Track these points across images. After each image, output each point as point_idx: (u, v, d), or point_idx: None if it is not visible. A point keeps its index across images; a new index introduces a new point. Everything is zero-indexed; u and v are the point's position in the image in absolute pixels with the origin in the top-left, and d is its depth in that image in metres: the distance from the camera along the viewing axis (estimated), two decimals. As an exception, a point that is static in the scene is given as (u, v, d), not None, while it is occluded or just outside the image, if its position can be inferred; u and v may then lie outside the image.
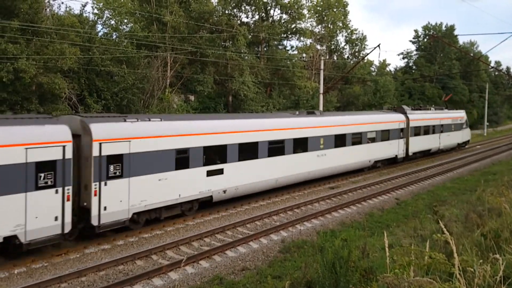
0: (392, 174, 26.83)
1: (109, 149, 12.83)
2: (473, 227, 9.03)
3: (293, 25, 42.97)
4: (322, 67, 34.74)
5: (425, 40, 66.21)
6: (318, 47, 51.31)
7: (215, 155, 16.42)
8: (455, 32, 66.18)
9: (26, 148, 10.86)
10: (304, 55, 47.55)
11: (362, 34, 54.72)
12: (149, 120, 14.54)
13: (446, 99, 47.19)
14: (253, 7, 40.85)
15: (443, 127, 35.45)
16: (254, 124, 18.62)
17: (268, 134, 18.74)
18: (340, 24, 52.37)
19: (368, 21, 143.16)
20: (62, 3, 36.44)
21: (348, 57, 55.39)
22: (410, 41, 69.26)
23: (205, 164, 15.90)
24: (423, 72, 60.18)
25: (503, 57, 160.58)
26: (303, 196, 20.56)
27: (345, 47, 55.27)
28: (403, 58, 68.10)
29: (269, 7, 41.38)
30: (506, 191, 12.14)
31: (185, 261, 11.30)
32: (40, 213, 11.14)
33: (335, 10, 50.69)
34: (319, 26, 51.56)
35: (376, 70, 58.40)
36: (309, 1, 49.40)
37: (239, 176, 17.35)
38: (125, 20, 30.53)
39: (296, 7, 40.81)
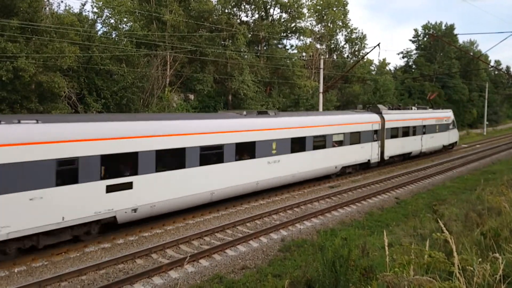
0: (392, 173, 26.85)
1: None
2: (473, 226, 9.04)
3: (292, 24, 42.98)
4: (321, 66, 34.72)
5: (425, 39, 66.24)
6: (318, 46, 51.30)
7: (120, 166, 13.31)
8: (455, 31, 66.23)
9: None
10: (304, 54, 47.54)
11: (362, 33, 54.73)
12: (18, 122, 11.29)
13: (431, 98, 44.52)
14: (252, 6, 40.84)
15: (425, 128, 32.87)
16: (181, 126, 15.40)
17: (200, 138, 15.72)
18: (340, 23, 52.35)
19: (368, 20, 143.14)
20: (62, 1, 36.65)
21: (348, 56, 55.37)
22: (410, 40, 69.36)
23: (104, 178, 12.73)
24: (423, 71, 60.20)
25: (503, 56, 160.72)
26: (303, 195, 20.58)
27: (345, 46, 55.28)
28: (403, 57, 68.18)
29: (268, 6, 41.37)
30: (506, 190, 12.16)
31: (186, 260, 11.32)
32: None
33: (335, 9, 50.67)
34: (319, 25, 51.56)
35: (376, 69, 58.38)
36: (309, 0, 49.52)
37: (157, 190, 14.18)
38: (125, 19, 30.47)
39: (295, 6, 40.82)
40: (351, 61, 52.46)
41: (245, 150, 17.75)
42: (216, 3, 36.50)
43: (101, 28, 29.75)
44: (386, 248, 5.87)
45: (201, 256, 12.35)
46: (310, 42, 48.64)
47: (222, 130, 16.66)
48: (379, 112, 27.83)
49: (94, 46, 25.10)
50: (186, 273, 11.29)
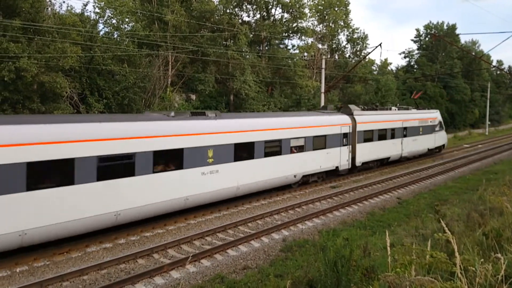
0: (393, 173, 26.81)
1: None
2: (475, 227, 9.02)
3: (294, 24, 43.03)
4: (323, 66, 34.70)
5: (427, 39, 66.14)
6: (320, 46, 51.32)
7: None
8: (457, 31, 66.17)
9: None
10: (305, 54, 47.55)
11: (364, 33, 54.78)
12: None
13: (416, 97, 41.14)
14: (254, 6, 40.90)
15: (406, 130, 30.00)
16: (70, 131, 11.94)
17: (100, 146, 12.48)
18: (342, 23, 52.38)
19: (370, 20, 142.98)
20: (64, 2, 36.60)
21: (349, 56, 55.39)
22: (412, 40, 69.23)
23: None
24: (425, 71, 60.12)
25: (505, 56, 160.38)
26: (304, 195, 20.56)
27: (347, 46, 55.33)
28: (405, 57, 68.10)
29: (270, 6, 41.42)
30: (508, 190, 12.14)
31: (188, 260, 11.33)
32: None
33: (336, 9, 50.70)
34: (321, 25, 51.58)
35: (377, 69, 58.34)
36: (311, 0, 49.54)
37: (32, 212, 11.03)
38: (127, 19, 30.56)
39: (297, 6, 40.87)
40: (353, 61, 52.44)
41: (169, 160, 14.60)
42: (217, 3, 36.57)
43: (103, 28, 29.88)
44: (388, 248, 5.86)
45: (202, 256, 12.34)
46: (312, 42, 48.67)
47: (133, 135, 13.42)
48: (350, 113, 24.88)
49: (96, 46, 25.16)
50: (188, 273, 11.29)
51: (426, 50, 65.12)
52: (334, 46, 53.51)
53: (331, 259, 7.65)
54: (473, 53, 68.94)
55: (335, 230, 14.98)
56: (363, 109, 27.10)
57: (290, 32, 43.77)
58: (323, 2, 50.02)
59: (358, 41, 54.38)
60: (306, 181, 21.77)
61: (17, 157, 10.68)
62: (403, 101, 51.90)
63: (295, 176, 20.50)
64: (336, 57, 54.00)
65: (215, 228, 14.72)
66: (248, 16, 42.15)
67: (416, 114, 32.33)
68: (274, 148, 19.09)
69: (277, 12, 42.40)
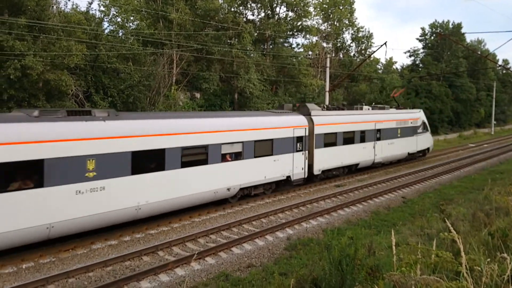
0: (398, 173, 26.74)
1: None
2: (481, 226, 8.99)
3: (299, 23, 42.95)
4: (328, 64, 34.65)
5: (432, 38, 65.82)
6: (324, 44, 51.23)
7: None
8: (462, 30, 65.77)
9: None
10: (310, 52, 47.47)
11: (369, 31, 54.60)
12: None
13: (396, 95, 36.78)
14: (258, 5, 40.88)
15: (380, 132, 26.73)
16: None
17: None
18: (346, 22, 52.24)
19: (375, 19, 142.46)
20: (69, 0, 36.62)
21: (354, 54, 55.23)
22: (417, 39, 68.94)
23: None
24: (430, 70, 59.81)
25: (511, 55, 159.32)
26: (308, 194, 20.56)
27: (351, 44, 55.15)
28: (410, 56, 67.77)
29: (275, 5, 41.36)
30: (514, 190, 12.07)
31: (194, 258, 11.37)
32: None
33: (341, 7, 50.54)
34: (325, 24, 51.47)
35: (382, 68, 58.15)
36: (315, -1, 49.39)
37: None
38: (131, 18, 30.64)
39: (302, 4, 40.79)
40: (358, 59, 52.29)
41: (21, 175, 11.15)
42: (222, 1, 36.56)
43: (108, 26, 29.96)
44: (393, 247, 5.86)
45: (207, 254, 12.39)
46: (316, 40, 48.57)
47: None
48: (307, 114, 21.53)
49: (101, 45, 25.26)
50: (193, 271, 11.33)
51: (431, 49, 64.80)
52: (338, 44, 53.39)
53: (336, 258, 7.65)
54: (479, 52, 68.55)
55: (339, 229, 14.96)
56: (327, 109, 24.34)
57: (295, 30, 43.69)
58: (327, 1, 49.89)
59: (363, 40, 54.21)
60: (248, 194, 18.45)
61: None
62: (408, 100, 51.74)
63: (228, 189, 16.90)
64: (341, 55, 53.86)
65: (219, 226, 14.76)
66: (253, 15, 42.19)
67: (394, 114, 29.07)
68: (197, 156, 15.55)
69: (281, 10, 42.39)
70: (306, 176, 20.97)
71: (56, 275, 10.43)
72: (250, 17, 41.83)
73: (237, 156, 17.26)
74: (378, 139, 26.52)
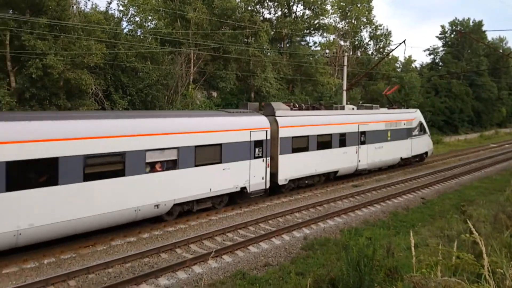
0: (417, 173, 26.36)
1: None
2: (502, 228, 8.80)
3: (316, 21, 42.68)
4: (345, 63, 34.36)
5: (452, 36, 64.63)
6: (342, 43, 50.79)
7: None
8: (483, 28, 64.34)
9: None
10: (327, 51, 47.14)
11: (387, 29, 53.82)
12: None
13: (389, 93, 33.66)
14: (275, 3, 40.78)
15: (365, 135, 23.63)
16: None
17: None
18: (364, 20, 51.66)
19: (393, 17, 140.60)
20: (89, 0, 37.22)
21: (372, 53, 54.61)
22: (437, 37, 67.83)
23: None
24: (450, 69, 58.74)
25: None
26: (325, 194, 20.45)
27: (369, 43, 54.52)
28: (429, 54, 66.62)
29: (292, 3, 41.22)
30: (538, 191, 11.78)
31: (211, 255, 11.45)
32: None
33: (359, 5, 50.02)
34: (343, 22, 51.01)
35: (401, 66, 57.35)
36: (333, -3, 48.98)
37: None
38: (150, 17, 30.96)
39: (319, 2, 40.53)
40: (376, 58, 51.69)
41: None
42: (239, 0, 36.61)
43: (126, 26, 30.33)
44: (413, 248, 5.79)
45: (224, 252, 12.46)
46: (334, 39, 48.19)
47: None
48: (271, 114, 18.74)
49: (120, 44, 25.58)
50: (210, 268, 11.42)
51: (451, 47, 63.60)
52: (356, 43, 52.87)
53: (354, 258, 7.60)
54: (500, 50, 66.98)
55: (357, 229, 14.85)
56: (295, 108, 21.10)
57: (312, 29, 43.44)
58: (345, -1, 49.45)
59: (381, 38, 53.51)
60: (188, 210, 15.54)
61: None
62: (427, 99, 50.91)
63: (157, 206, 13.86)
64: (359, 54, 53.32)
65: (236, 225, 14.83)
66: (269, 13, 42.10)
67: (382, 114, 25.83)
68: (108, 166, 12.72)
69: (298, 9, 42.19)
70: (267, 186, 18.06)
71: (76, 271, 10.65)
72: (267, 15, 41.79)
73: (170, 165, 14.28)
74: (363, 142, 23.53)
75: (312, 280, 8.08)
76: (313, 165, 20.43)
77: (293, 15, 41.87)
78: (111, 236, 13.26)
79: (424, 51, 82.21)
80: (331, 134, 21.38)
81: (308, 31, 43.16)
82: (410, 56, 58.50)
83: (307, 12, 42.16)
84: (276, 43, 41.17)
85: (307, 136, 20.01)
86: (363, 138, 23.54)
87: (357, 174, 23.91)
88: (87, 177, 12.09)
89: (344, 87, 33.55)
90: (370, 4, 51.35)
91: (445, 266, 5.18)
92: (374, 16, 57.96)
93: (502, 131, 62.80)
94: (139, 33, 29.57)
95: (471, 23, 64.21)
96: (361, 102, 31.39)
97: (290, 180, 19.45)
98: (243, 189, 17.00)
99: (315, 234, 14.60)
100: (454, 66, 59.39)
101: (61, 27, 22.36)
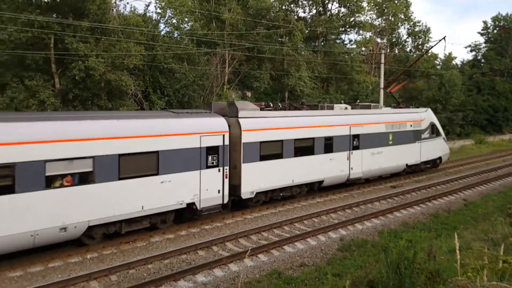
0: (459, 174, 25.43)
1: None
2: (553, 232, 8.37)
3: (351, 19, 42.04)
4: (382, 60, 33.60)
5: (495, 31, 61.86)
6: (378, 40, 49.73)
7: None
8: (530, 22, 61.02)
9: None
10: (363, 48, 46.31)
11: (426, 26, 52.32)
12: None
13: (394, 90, 30.79)
14: (310, 2, 40.52)
15: (359, 139, 20.52)
16: None
17: None
18: (402, 16, 50.37)
19: (432, 13, 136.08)
20: (128, 3, 38.36)
21: (410, 50, 53.18)
22: (479, 33, 64.88)
23: None
24: (493, 66, 56.20)
25: None
26: (362, 194, 20.10)
27: (407, 40, 53.11)
28: (471, 51, 63.98)
29: (327, 1, 40.81)
30: None
31: (247, 254, 11.53)
32: None
33: (396, 2, 48.83)
34: (379, 19, 49.96)
35: (441, 63, 55.46)
36: (369, -6, 48.07)
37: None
38: (186, 19, 31.53)
39: (355, 0, 39.87)
40: (414, 55, 50.28)
41: None
42: (273, 0, 36.62)
43: (164, 28, 31.00)
44: (457, 251, 5.61)
45: (259, 251, 12.50)
46: (370, 36, 47.27)
47: None
48: (233, 116, 15.98)
49: (157, 46, 26.17)
50: (246, 267, 11.48)
51: (494, 44, 60.85)
52: (394, 40, 51.62)
53: (394, 261, 7.46)
54: (549, 45, 63.33)
55: (396, 231, 14.51)
56: (267, 108, 18.24)
57: (347, 26, 42.82)
58: (382, -5, 48.39)
59: (419, 35, 51.99)
60: (117, 232, 12.79)
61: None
62: (469, 97, 48.99)
63: (64, 229, 11.20)
64: (396, 51, 52.05)
65: (271, 224, 14.84)
66: (304, 12, 41.87)
67: (382, 115, 22.61)
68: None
69: (333, 6, 41.72)
70: (225, 201, 15.12)
71: (118, 266, 11.00)
72: (301, 14, 41.60)
73: (84, 178, 11.63)
74: (356, 147, 20.38)
75: (350, 281, 7.99)
76: (289, 175, 17.48)
77: (328, 13, 41.43)
78: (150, 233, 13.61)
79: (465, 47, 78.88)
80: (313, 138, 18.35)
81: (343, 29, 42.57)
82: (450, 53, 56.31)
83: (343, 9, 41.67)
84: (310, 41, 40.88)
85: (281, 141, 17.10)
86: (356, 142, 20.42)
87: (349, 184, 20.82)
88: None
89: (381, 85, 32.82)
90: (408, 0, 50.01)
91: (491, 271, 5.01)
92: (412, 12, 56.46)
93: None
94: (176, 35, 30.14)
95: (516, 18, 61.16)
96: (358, 101, 28.16)
97: (258, 193, 16.55)
98: (191, 205, 14.13)
99: (351, 235, 14.37)
100: (498, 63, 56.79)
101: (102, 30, 23.14)
